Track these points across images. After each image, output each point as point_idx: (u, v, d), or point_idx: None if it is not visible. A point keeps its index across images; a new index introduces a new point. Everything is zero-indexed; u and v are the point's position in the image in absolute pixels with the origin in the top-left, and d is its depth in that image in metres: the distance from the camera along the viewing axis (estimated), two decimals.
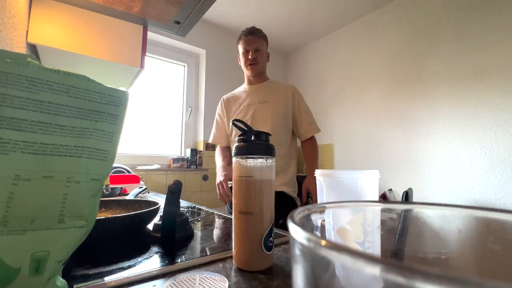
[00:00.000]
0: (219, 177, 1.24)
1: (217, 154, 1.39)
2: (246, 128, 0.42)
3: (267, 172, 0.40)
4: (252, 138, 0.42)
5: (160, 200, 0.71)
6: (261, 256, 0.38)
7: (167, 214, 0.50)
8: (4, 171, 0.21)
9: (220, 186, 1.21)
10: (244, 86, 1.38)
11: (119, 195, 1.15)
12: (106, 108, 0.26)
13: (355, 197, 0.33)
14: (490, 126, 1.63)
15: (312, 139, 1.34)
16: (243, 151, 0.40)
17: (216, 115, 1.43)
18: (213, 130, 1.43)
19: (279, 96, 1.28)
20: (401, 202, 0.19)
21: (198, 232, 0.60)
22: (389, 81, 2.15)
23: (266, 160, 0.41)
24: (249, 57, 1.27)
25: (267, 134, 0.43)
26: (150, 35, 2.10)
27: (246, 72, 1.32)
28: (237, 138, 0.42)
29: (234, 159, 0.41)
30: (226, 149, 1.40)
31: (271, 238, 0.39)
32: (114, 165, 1.42)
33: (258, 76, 1.33)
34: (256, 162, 0.40)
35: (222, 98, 1.42)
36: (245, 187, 0.40)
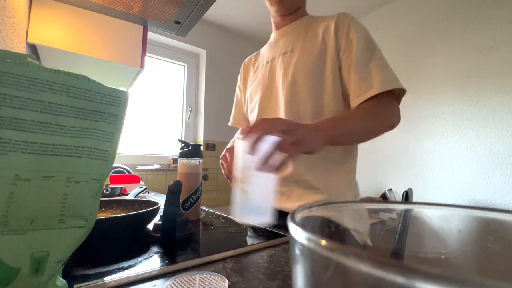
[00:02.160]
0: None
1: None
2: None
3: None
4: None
5: (160, 200, 0.71)
6: None
7: (167, 214, 0.50)
8: (4, 171, 0.21)
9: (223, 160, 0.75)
10: (271, 36, 0.93)
11: (119, 195, 1.15)
12: (106, 108, 0.26)
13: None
14: (490, 126, 1.63)
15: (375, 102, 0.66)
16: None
17: (236, 89, 1.05)
18: (233, 109, 1.04)
19: (314, 35, 0.75)
20: (401, 202, 0.19)
21: (198, 232, 0.60)
22: None
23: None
24: None
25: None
26: (150, 35, 2.10)
27: (272, 10, 0.86)
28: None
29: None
30: None
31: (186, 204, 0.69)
32: (114, 165, 1.42)
33: (288, 13, 0.83)
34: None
35: (243, 62, 1.04)
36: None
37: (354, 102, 0.69)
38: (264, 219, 0.48)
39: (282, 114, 0.76)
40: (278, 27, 0.89)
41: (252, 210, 0.47)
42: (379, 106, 0.66)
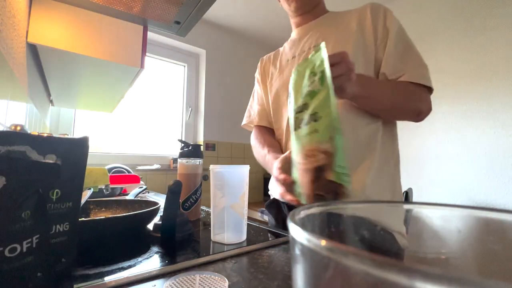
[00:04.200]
0: (274, 171, 0.64)
1: (255, 140, 0.87)
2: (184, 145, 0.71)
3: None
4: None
5: (160, 200, 0.71)
6: None
7: (167, 214, 0.50)
8: None
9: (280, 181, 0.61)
10: (291, 35, 0.88)
11: (119, 195, 1.15)
12: None
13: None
14: (490, 126, 1.62)
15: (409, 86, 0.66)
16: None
17: (255, 85, 0.97)
18: (253, 107, 0.95)
19: (347, 26, 0.73)
20: (401, 202, 0.19)
21: (198, 232, 0.60)
22: None
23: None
24: None
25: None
26: (150, 35, 2.10)
27: (290, 9, 0.82)
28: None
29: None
30: (267, 132, 0.88)
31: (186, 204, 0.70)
32: (114, 165, 1.42)
33: (308, 10, 0.80)
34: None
35: (260, 59, 0.96)
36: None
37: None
38: None
39: None
40: (299, 25, 0.84)
41: None
42: (409, 88, 0.66)
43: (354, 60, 0.65)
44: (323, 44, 0.47)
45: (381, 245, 0.19)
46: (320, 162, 0.41)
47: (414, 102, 0.66)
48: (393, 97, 0.65)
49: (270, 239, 0.54)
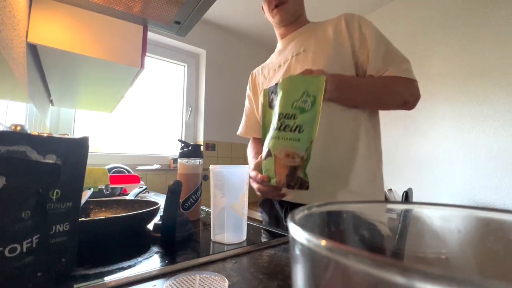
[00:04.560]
0: (252, 174, 0.74)
1: (248, 149, 0.98)
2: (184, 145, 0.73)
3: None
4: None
5: (160, 200, 0.71)
6: None
7: (167, 214, 0.50)
8: None
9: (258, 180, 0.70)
10: (277, 46, 0.95)
11: (119, 195, 1.15)
12: None
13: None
14: (490, 126, 1.62)
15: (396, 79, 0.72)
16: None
17: (246, 99, 1.04)
18: (243, 119, 1.04)
19: (324, 35, 0.79)
20: (401, 202, 0.19)
21: (198, 232, 0.60)
22: None
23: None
24: None
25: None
26: (150, 35, 2.10)
27: (274, 22, 0.88)
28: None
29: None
30: (258, 141, 0.97)
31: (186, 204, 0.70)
32: (114, 165, 1.42)
33: (291, 21, 0.86)
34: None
35: (251, 73, 1.02)
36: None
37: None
38: None
39: None
40: (283, 36, 0.90)
41: None
42: (392, 80, 0.72)
43: (333, 65, 0.73)
44: (323, 78, 0.57)
45: (367, 234, 0.20)
46: (296, 163, 0.57)
47: (397, 92, 0.73)
48: (374, 89, 0.73)
49: (270, 239, 0.54)
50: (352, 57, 0.74)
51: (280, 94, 0.61)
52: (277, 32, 0.93)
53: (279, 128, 0.59)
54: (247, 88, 1.03)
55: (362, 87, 0.73)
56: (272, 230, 0.62)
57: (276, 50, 0.94)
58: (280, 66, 0.86)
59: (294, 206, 0.75)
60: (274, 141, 0.60)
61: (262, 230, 0.62)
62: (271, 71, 0.90)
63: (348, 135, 0.73)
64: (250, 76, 1.02)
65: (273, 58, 0.94)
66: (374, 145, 0.78)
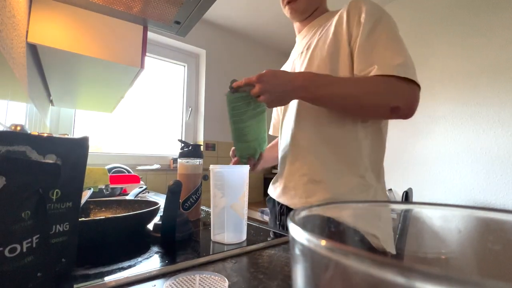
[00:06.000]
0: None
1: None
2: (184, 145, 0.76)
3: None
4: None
5: (160, 200, 0.71)
6: None
7: (167, 214, 0.50)
8: None
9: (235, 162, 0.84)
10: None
11: (119, 195, 1.15)
12: None
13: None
14: (490, 126, 1.62)
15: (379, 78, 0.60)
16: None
17: None
18: (272, 118, 1.05)
19: (327, 30, 0.72)
20: (401, 202, 0.19)
21: (198, 232, 0.60)
22: None
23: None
24: None
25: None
26: (150, 35, 2.10)
27: (289, 17, 0.84)
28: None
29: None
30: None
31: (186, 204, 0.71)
32: (114, 165, 1.42)
33: (304, 17, 0.81)
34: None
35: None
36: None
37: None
38: None
39: (294, 115, 0.75)
40: (299, 31, 0.87)
41: None
42: (378, 81, 0.59)
43: (332, 65, 0.68)
44: (227, 95, 0.70)
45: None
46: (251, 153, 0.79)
47: (378, 94, 0.59)
48: (348, 91, 0.60)
49: (270, 239, 0.54)
50: (349, 51, 0.65)
51: (231, 113, 0.73)
52: (295, 26, 0.89)
53: (238, 137, 0.76)
54: None
55: (340, 88, 0.60)
56: (272, 230, 0.63)
57: (295, 47, 0.90)
58: (295, 58, 0.83)
59: (290, 209, 0.76)
60: (238, 140, 0.78)
61: (262, 230, 0.62)
62: (291, 59, 0.88)
63: (342, 148, 0.67)
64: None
65: (291, 56, 0.91)
66: (375, 159, 0.68)
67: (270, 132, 1.05)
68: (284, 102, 0.67)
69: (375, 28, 0.62)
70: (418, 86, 0.61)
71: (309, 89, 0.62)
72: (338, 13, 0.71)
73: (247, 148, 0.77)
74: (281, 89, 0.62)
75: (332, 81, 0.61)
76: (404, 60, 0.59)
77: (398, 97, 0.60)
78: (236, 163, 0.82)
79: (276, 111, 1.02)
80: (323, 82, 0.61)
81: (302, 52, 0.78)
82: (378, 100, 0.60)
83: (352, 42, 0.65)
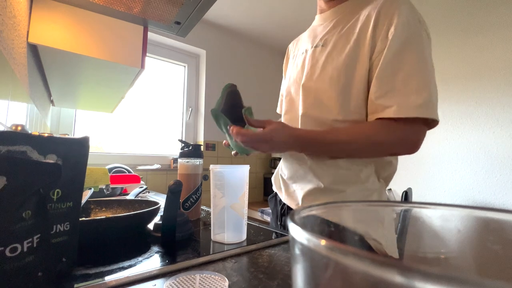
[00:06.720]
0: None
1: None
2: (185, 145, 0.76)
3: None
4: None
5: (160, 200, 0.71)
6: None
7: (167, 214, 0.50)
8: None
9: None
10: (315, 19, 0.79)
11: (119, 195, 1.15)
12: None
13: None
14: (489, 126, 1.62)
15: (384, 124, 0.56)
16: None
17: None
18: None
19: (351, 29, 0.63)
20: (401, 202, 0.19)
21: (198, 232, 0.60)
22: None
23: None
24: None
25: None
26: (151, 35, 2.10)
27: None
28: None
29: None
30: None
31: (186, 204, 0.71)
32: (115, 165, 1.42)
33: None
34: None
35: (288, 47, 0.91)
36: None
37: (369, 119, 0.59)
38: None
39: (299, 121, 0.69)
40: (321, 11, 0.75)
41: None
42: (389, 129, 0.55)
43: (346, 79, 0.60)
44: (213, 111, 0.67)
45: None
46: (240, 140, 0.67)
47: (383, 147, 0.58)
48: (352, 150, 0.59)
49: (270, 239, 0.54)
50: (367, 68, 0.58)
51: (222, 126, 0.70)
52: (318, 5, 0.78)
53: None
54: (284, 63, 0.93)
55: (331, 147, 0.59)
56: (272, 230, 0.63)
57: (312, 24, 0.79)
58: (303, 53, 0.74)
59: (290, 208, 0.76)
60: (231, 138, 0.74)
61: (262, 230, 0.62)
62: (298, 54, 0.78)
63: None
64: (287, 51, 0.91)
65: (305, 36, 0.80)
66: (387, 176, 0.68)
67: (278, 111, 0.94)
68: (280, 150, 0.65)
69: (403, 50, 0.55)
70: (435, 120, 0.56)
71: (304, 151, 0.65)
72: (368, 10, 0.61)
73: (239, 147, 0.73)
74: (274, 151, 0.64)
75: (329, 141, 0.59)
76: (428, 95, 0.53)
77: (397, 145, 0.58)
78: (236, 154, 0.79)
79: (280, 107, 0.91)
80: (320, 148, 0.61)
81: (316, 46, 0.69)
82: (377, 153, 0.62)
83: (374, 57, 0.58)
